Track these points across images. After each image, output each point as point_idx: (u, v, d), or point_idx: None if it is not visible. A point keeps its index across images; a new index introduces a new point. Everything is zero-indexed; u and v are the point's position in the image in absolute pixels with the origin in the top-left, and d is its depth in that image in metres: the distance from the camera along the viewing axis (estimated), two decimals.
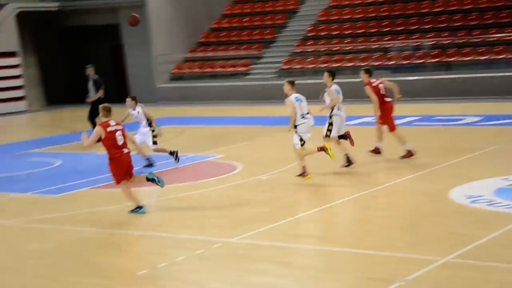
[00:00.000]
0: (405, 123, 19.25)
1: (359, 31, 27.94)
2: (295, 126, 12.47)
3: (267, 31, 30.06)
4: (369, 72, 14.27)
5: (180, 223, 10.48)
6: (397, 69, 25.85)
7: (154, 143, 14.56)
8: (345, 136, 13.61)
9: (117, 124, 10.94)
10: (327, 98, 13.58)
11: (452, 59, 24.97)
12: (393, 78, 25.31)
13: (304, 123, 12.52)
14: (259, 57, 29.20)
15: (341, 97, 13.76)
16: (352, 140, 13.58)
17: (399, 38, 26.66)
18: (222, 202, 11.60)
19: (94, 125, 18.04)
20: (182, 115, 24.58)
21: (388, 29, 27.45)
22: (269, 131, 19.25)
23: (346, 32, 28.16)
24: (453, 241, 8.79)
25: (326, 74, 13.78)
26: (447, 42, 25.58)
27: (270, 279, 7.90)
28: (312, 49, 28.05)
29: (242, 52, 29.61)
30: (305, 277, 7.91)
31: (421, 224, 9.66)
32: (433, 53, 25.45)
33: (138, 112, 14.63)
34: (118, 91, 32.92)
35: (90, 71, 19.37)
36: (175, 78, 30.09)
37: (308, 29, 29.02)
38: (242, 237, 9.44)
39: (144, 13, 29.44)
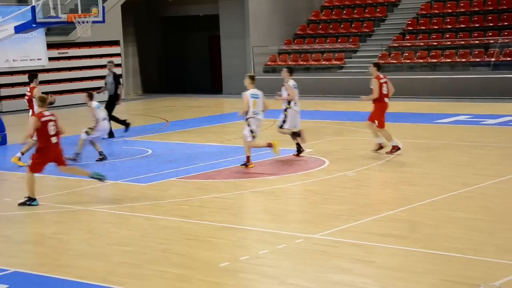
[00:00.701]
0: (503, 122, 18.60)
1: (461, 26, 27.15)
2: (247, 119, 13.66)
3: (365, 24, 29.68)
4: (377, 66, 14.81)
5: (264, 217, 10.50)
6: (497, 66, 24.98)
7: (86, 133, 15.30)
8: (298, 134, 14.60)
9: (51, 115, 11.54)
10: (284, 92, 14.58)
11: None
12: (493, 75, 24.62)
13: (254, 118, 13.67)
14: (354, 51, 28.87)
15: (297, 92, 14.78)
16: (303, 138, 14.58)
17: (504, 34, 25.71)
18: (307, 197, 11.55)
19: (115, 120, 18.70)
20: (272, 107, 24.52)
21: (491, 24, 26.55)
22: (360, 126, 19.00)
23: (447, 27, 27.43)
24: None
25: (284, 70, 14.86)
26: None
27: (351, 278, 7.80)
28: (410, 44, 27.50)
29: (338, 46, 29.37)
30: (387, 277, 7.76)
31: (511, 228, 9.30)
32: None
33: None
34: (211, 82, 33.40)
35: (111, 65, 19.51)
36: (268, 70, 30.16)
37: (408, 22, 28.45)
38: (325, 233, 9.36)
39: (244, 3, 29.64)
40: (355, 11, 30.59)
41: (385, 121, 14.76)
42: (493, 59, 25.07)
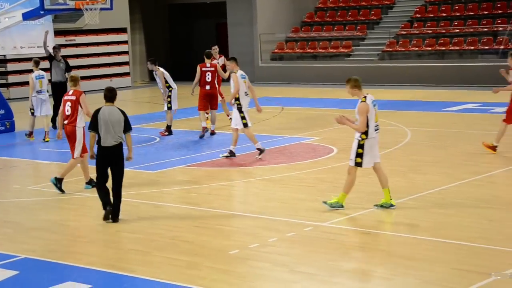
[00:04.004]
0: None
1: (469, 13, 26.99)
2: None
3: (373, 12, 29.52)
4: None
5: (272, 204, 10.47)
6: (505, 54, 24.79)
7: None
8: None
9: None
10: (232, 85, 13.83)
11: None
12: (502, 63, 24.46)
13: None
14: (362, 39, 28.75)
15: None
16: None
17: None
18: (315, 185, 11.52)
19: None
20: (281, 95, 24.58)
21: (500, 11, 26.38)
22: None
23: (456, 14, 27.27)
24: None
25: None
26: None
27: (361, 266, 7.80)
28: (418, 32, 27.35)
29: (346, 33, 29.24)
30: (397, 265, 7.74)
31: None
32: None
33: None
34: None
35: (57, 51, 18.55)
36: (276, 57, 30.07)
37: (416, 10, 28.29)
38: (334, 221, 9.35)
39: None
40: None
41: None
42: (501, 47, 24.93)
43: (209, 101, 16.71)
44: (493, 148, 13.09)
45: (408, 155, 13.47)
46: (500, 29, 25.58)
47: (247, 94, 13.63)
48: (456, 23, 26.94)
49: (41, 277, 7.83)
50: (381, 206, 9.79)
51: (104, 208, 9.77)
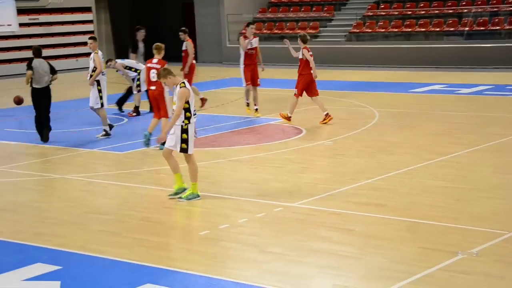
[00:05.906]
0: (477, 92, 18.75)
1: None
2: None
3: None
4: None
5: (242, 185, 10.50)
6: (471, 35, 25.12)
7: None
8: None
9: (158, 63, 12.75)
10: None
11: None
12: (467, 45, 24.75)
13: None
14: (329, 20, 28.79)
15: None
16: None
17: (477, 3, 25.82)
18: (284, 166, 11.56)
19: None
20: None
21: None
22: (336, 95, 19.05)
23: None
24: None
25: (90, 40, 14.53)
26: None
27: (330, 246, 7.85)
28: (384, 13, 27.48)
29: (313, 14, 29.24)
30: (365, 245, 7.82)
31: (487, 196, 9.43)
32: (511, 19, 24.58)
33: None
34: None
35: (141, 32, 17.65)
36: None
37: None
38: (304, 202, 9.40)
39: None
40: None
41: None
42: (466, 29, 25.18)
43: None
44: (288, 118, 14.78)
45: (376, 136, 13.58)
46: (465, 11, 25.83)
47: (104, 74, 14.41)
48: (421, 5, 27.12)
49: (9, 258, 7.76)
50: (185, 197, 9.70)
51: (41, 137, 13.58)
